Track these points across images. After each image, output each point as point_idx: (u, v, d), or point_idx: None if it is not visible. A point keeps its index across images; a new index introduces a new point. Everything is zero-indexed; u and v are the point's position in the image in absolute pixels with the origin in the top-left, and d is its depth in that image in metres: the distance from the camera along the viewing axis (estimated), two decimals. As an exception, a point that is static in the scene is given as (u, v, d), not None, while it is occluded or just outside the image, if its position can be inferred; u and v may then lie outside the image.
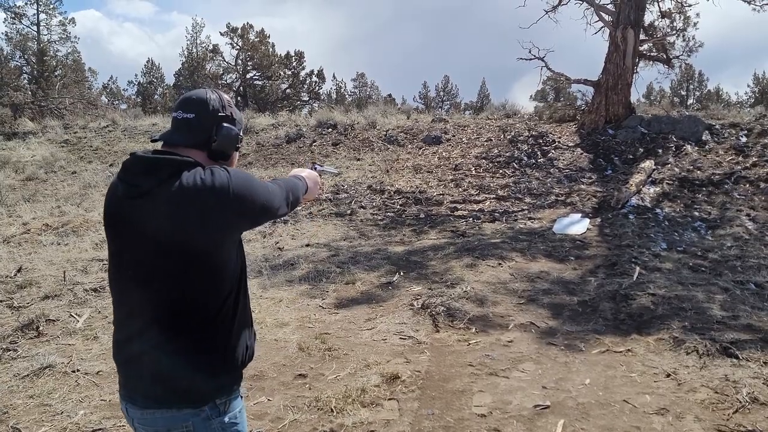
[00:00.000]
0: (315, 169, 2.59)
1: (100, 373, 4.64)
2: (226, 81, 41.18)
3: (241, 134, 2.05)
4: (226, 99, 2.00)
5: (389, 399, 4.15)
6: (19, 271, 7.32)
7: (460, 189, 11.49)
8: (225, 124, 1.94)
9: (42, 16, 36.17)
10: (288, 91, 43.14)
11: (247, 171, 1.92)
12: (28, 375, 4.57)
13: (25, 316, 5.74)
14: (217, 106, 1.94)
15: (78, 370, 4.67)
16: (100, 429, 3.81)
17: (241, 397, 1.97)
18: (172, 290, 1.79)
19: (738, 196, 9.91)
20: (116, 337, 1.92)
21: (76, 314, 5.94)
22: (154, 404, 1.82)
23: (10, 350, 5.09)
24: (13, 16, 35.39)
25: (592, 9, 15.43)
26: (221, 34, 41.62)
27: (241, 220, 1.85)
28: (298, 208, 10.16)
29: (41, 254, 8.23)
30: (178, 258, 1.76)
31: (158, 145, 1.97)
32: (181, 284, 1.78)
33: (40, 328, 5.53)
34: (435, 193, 11.27)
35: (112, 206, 1.88)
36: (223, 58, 41.42)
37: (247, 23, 41.05)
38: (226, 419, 1.86)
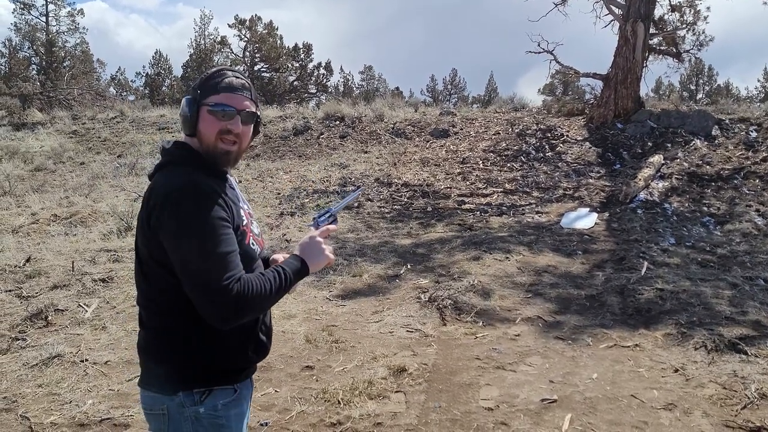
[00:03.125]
0: (318, 225, 2.08)
1: (109, 363, 4.66)
2: (233, 73, 41.08)
3: (212, 107, 1.81)
4: (212, 74, 1.86)
5: (396, 391, 4.16)
6: (27, 261, 7.35)
7: (468, 182, 11.46)
8: (184, 99, 1.85)
9: (51, 6, 36.28)
10: (296, 83, 43.08)
11: (216, 217, 1.70)
12: (36, 364, 4.59)
13: (34, 306, 5.77)
14: (196, 82, 1.87)
15: (86, 360, 4.69)
16: (108, 418, 3.83)
17: (236, 390, 1.88)
18: (151, 279, 1.82)
19: (747, 192, 9.84)
20: None
21: (84, 304, 5.97)
22: (141, 383, 1.90)
23: (19, 339, 5.12)
24: (22, 6, 35.50)
25: (602, 2, 15.31)
26: (229, 26, 41.48)
27: (166, 249, 1.71)
28: (297, 213, 10.13)
29: (50, 244, 8.26)
30: (143, 248, 1.81)
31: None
32: (156, 276, 1.80)
33: (49, 318, 5.56)
34: (442, 187, 11.25)
35: None
36: (231, 50, 41.41)
37: (255, 15, 40.99)
38: (202, 410, 1.81)
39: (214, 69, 1.90)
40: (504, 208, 10.03)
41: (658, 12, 15.40)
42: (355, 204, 10.47)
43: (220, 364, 1.85)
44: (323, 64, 44.02)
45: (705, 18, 16.50)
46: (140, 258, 1.84)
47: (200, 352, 1.81)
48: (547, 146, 13.10)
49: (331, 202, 10.70)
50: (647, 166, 10.83)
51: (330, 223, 2.09)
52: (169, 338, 1.82)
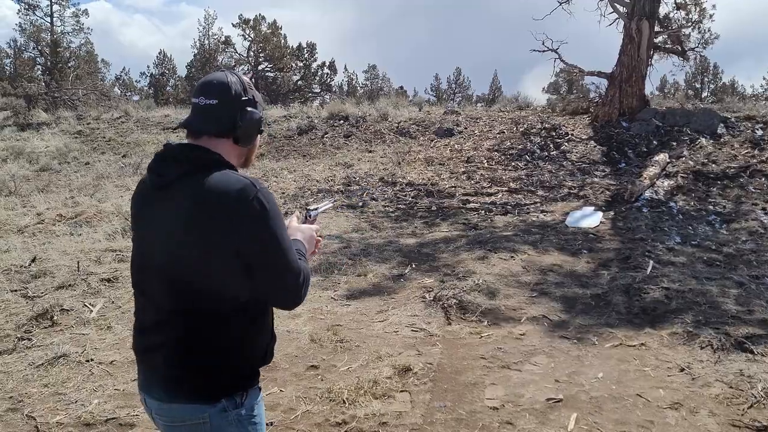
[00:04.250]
0: (309, 216, 2.32)
1: (114, 362, 4.67)
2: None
3: (263, 116, 2.00)
4: (246, 81, 1.93)
5: (401, 391, 4.15)
6: (33, 261, 7.37)
7: (472, 181, 11.45)
8: (248, 109, 1.89)
9: (55, 7, 36.38)
10: (300, 82, 43.14)
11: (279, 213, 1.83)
12: (42, 364, 4.60)
13: (40, 306, 5.78)
14: (239, 90, 1.88)
15: (92, 360, 4.70)
16: (113, 418, 3.84)
17: (260, 388, 1.95)
18: (187, 288, 1.77)
19: (753, 190, 9.81)
20: (135, 326, 1.93)
21: (89, 304, 5.98)
22: (170, 397, 1.81)
23: (24, 339, 5.13)
24: (27, 7, 35.61)
25: (607, 0, 15.29)
26: (233, 25, 41.57)
27: (245, 253, 1.75)
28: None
29: (55, 244, 8.28)
30: (193, 255, 1.75)
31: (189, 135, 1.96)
32: (195, 281, 1.76)
33: (55, 318, 5.57)
34: (447, 186, 11.24)
35: (138, 198, 1.91)
36: (235, 49, 41.49)
37: (259, 15, 41.05)
38: (243, 411, 1.85)
39: (249, 80, 1.97)
40: (509, 207, 10.01)
41: (663, 10, 15.42)
42: (360, 203, 10.47)
43: (253, 365, 1.90)
44: (327, 64, 44.10)
45: (710, 16, 16.49)
46: (180, 266, 1.77)
47: (240, 356, 1.84)
48: (551, 145, 13.08)
49: (335, 201, 10.69)
50: (652, 165, 10.81)
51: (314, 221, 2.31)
52: (212, 346, 1.80)
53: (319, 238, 2.17)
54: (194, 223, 1.74)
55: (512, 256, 7.37)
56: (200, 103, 1.87)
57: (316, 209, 2.36)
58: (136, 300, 1.94)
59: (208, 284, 1.76)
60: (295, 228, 2.09)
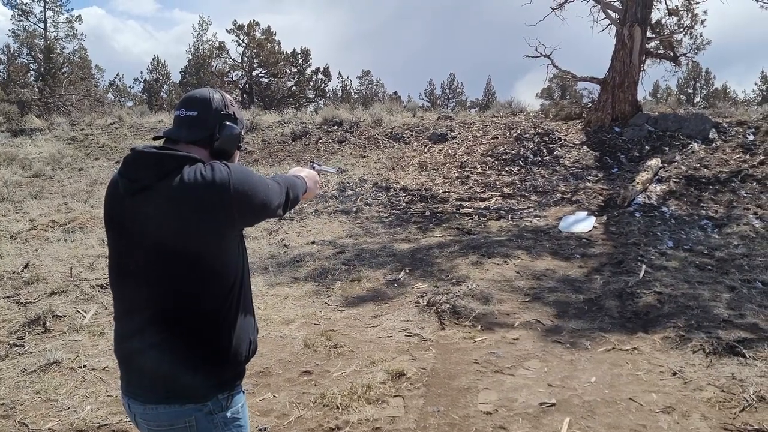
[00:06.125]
0: (314, 168, 2.58)
1: (107, 368, 4.66)
2: (232, 78, 41.16)
3: (243, 133, 2.06)
4: (228, 98, 2.02)
5: (395, 396, 4.16)
6: (26, 267, 7.35)
7: (466, 186, 11.47)
8: (227, 123, 1.96)
9: (49, 13, 36.30)
10: (294, 88, 43.09)
11: (248, 167, 1.97)
12: (35, 370, 4.59)
13: (32, 312, 5.76)
14: (219, 105, 1.96)
15: (85, 366, 4.69)
16: (106, 424, 3.83)
17: (244, 392, 1.98)
18: (173, 287, 1.79)
19: (745, 195, 9.86)
20: (117, 332, 1.93)
21: (82, 310, 5.97)
22: (156, 400, 1.82)
23: (17, 346, 5.12)
24: (20, 13, 35.51)
25: (599, 6, 15.36)
26: (227, 31, 41.43)
27: (240, 216, 1.84)
28: (299, 206, 10.16)
29: (48, 250, 8.26)
30: (179, 255, 1.77)
31: (161, 143, 1.98)
32: (182, 281, 1.79)
33: (47, 324, 5.55)
34: (440, 191, 11.26)
35: (113, 202, 1.90)
36: (229, 55, 41.40)
37: (253, 20, 41.00)
38: (229, 414, 1.87)
39: (233, 98, 2.09)
40: (502, 212, 10.04)
41: (655, 16, 15.48)
42: (353, 208, 10.48)
43: (240, 364, 1.93)
44: (321, 69, 44.06)
45: (702, 22, 16.57)
46: (189, 253, 1.78)
47: (229, 354, 1.87)
48: (545, 150, 13.12)
49: (329, 206, 10.70)
50: (645, 170, 10.85)
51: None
52: (205, 343, 1.83)
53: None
54: (181, 221, 1.76)
55: (506, 261, 7.39)
56: (181, 114, 1.94)
57: (320, 165, 2.70)
58: (117, 304, 1.93)
59: (196, 281, 1.79)
60: (300, 169, 2.37)
